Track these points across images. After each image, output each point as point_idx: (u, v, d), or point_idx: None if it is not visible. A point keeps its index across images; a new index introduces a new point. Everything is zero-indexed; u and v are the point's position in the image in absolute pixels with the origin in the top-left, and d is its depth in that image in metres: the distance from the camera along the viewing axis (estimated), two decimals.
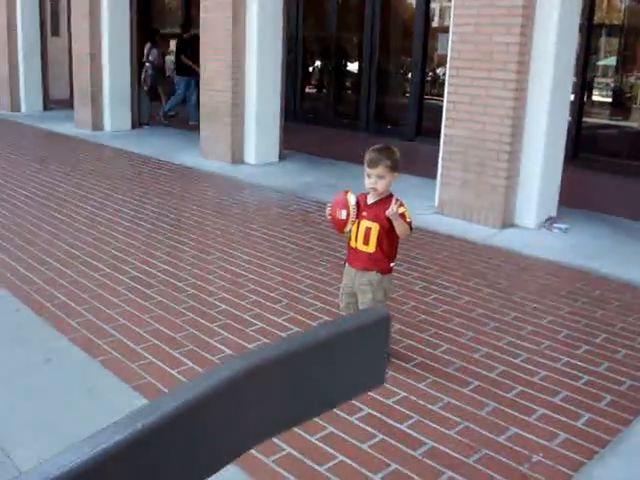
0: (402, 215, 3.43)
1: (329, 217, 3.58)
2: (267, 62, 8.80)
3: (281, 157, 9.26)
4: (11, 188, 7.50)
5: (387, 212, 3.38)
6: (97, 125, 11.72)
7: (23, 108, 14.22)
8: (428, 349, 3.83)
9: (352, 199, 3.50)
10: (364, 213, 3.52)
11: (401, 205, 3.47)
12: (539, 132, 6.06)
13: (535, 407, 3.24)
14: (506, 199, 6.21)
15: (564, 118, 6.34)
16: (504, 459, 2.83)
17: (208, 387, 1.00)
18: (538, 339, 4.00)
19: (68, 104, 13.47)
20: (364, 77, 12.28)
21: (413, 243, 5.81)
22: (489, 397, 3.32)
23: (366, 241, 3.53)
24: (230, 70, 8.70)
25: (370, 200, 3.56)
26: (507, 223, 6.29)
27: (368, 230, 3.52)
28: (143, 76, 12.75)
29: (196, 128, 10.14)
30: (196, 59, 11.85)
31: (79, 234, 5.85)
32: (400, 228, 3.44)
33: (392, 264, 3.61)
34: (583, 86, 9.51)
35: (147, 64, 12.85)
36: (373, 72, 12.09)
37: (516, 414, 3.17)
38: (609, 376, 3.57)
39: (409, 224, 3.47)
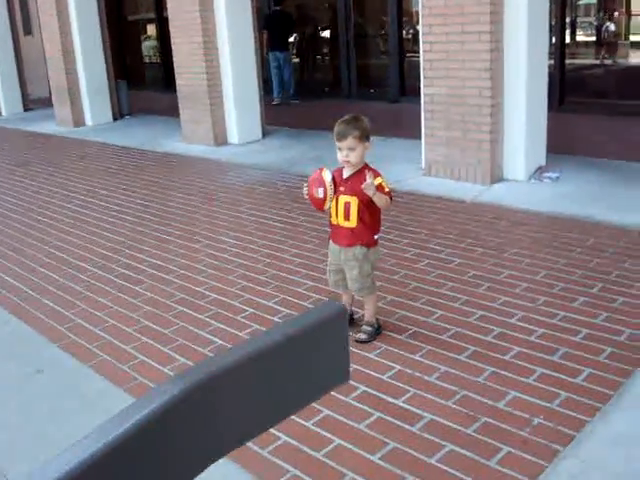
0: (379, 186, 3.33)
1: (306, 197, 3.48)
2: (239, 39, 8.63)
3: (264, 134, 9.13)
4: None
5: (362, 186, 3.28)
6: (78, 121, 11.58)
7: (3, 111, 14.07)
8: (422, 318, 3.76)
9: (327, 176, 3.39)
10: (341, 188, 3.42)
11: (377, 176, 3.37)
12: (519, 82, 5.92)
13: (533, 367, 3.17)
14: (492, 154, 6.10)
15: (544, 64, 6.19)
16: (504, 425, 2.76)
17: (173, 394, 0.94)
18: (533, 295, 3.92)
19: (49, 103, 13.29)
20: (341, 42, 12.05)
21: (402, 209, 5.72)
22: (486, 362, 3.25)
23: (347, 216, 3.44)
24: (202, 51, 8.54)
25: (346, 174, 3.46)
26: (496, 178, 6.18)
27: (347, 205, 3.42)
28: None
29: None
30: (280, 35, 11.84)
31: (65, 236, 5.77)
32: (379, 200, 3.34)
33: (376, 236, 3.52)
34: (563, 27, 9.30)
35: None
36: (350, 35, 11.86)
37: (514, 377, 3.10)
38: (607, 327, 3.49)
39: (388, 194, 3.37)
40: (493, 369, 3.19)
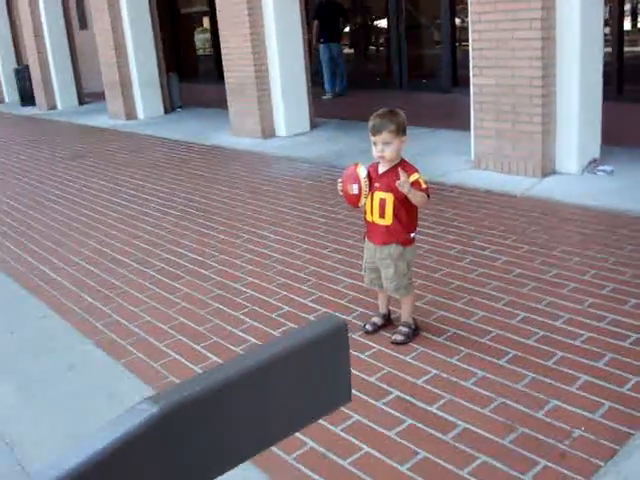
0: (415, 183, 3.19)
1: (341, 193, 3.37)
2: (288, 31, 8.55)
3: (312, 126, 9.04)
4: (45, 189, 7.52)
5: (396, 184, 3.14)
6: (130, 114, 11.70)
7: (59, 105, 14.33)
8: (462, 319, 3.61)
9: (362, 172, 3.27)
10: (377, 184, 3.30)
11: (413, 172, 3.23)
12: (572, 71, 5.66)
13: (577, 374, 3.00)
14: (544, 146, 5.86)
15: (599, 53, 5.90)
16: (542, 436, 2.61)
17: (152, 414, 0.89)
18: (581, 297, 3.72)
19: (103, 96, 13.46)
20: (393, 32, 11.85)
21: (449, 203, 5.55)
22: (527, 367, 3.09)
23: (382, 214, 3.31)
24: (250, 44, 8.48)
25: (381, 169, 3.33)
26: (548, 171, 5.94)
27: (383, 202, 3.29)
28: None
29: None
30: (332, 25, 11.65)
31: (109, 230, 5.79)
32: (414, 198, 3.20)
33: (413, 234, 3.38)
34: (622, 14, 8.90)
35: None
36: (402, 25, 11.64)
37: (556, 384, 2.94)
38: None
39: (425, 190, 3.23)
40: (533, 375, 3.02)
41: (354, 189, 3.27)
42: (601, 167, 5.87)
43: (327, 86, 12.04)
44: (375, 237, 3.38)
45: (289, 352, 1.13)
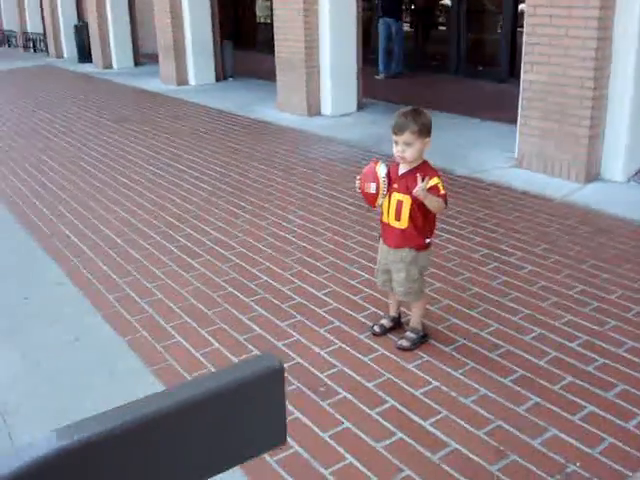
0: (434, 187, 3.06)
1: (359, 191, 3.26)
2: (340, 6, 8.36)
3: (359, 107, 8.87)
4: (84, 151, 7.57)
5: (414, 192, 3.02)
6: (182, 80, 11.69)
7: (114, 64, 14.42)
8: (474, 329, 3.49)
9: (382, 170, 3.16)
10: (395, 185, 3.18)
11: (434, 176, 3.09)
12: (627, 74, 5.39)
13: (583, 403, 2.86)
14: (590, 150, 5.62)
15: None
16: (533, 467, 2.49)
17: (48, 452, 0.82)
18: (602, 317, 3.55)
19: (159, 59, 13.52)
20: (453, 14, 11.52)
21: (483, 202, 5.38)
22: (531, 390, 2.96)
23: (398, 216, 3.19)
24: (302, 17, 8.34)
25: (401, 170, 3.21)
26: (592, 177, 5.70)
27: (400, 204, 3.17)
28: None
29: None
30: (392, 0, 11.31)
31: (138, 199, 5.80)
32: (431, 204, 3.07)
33: (428, 240, 3.25)
34: None
35: None
36: (463, 8, 11.30)
37: (559, 412, 2.81)
38: None
39: (443, 196, 3.09)
40: (537, 399, 2.90)
41: (372, 188, 3.16)
42: None
43: (381, 65, 11.69)
44: (389, 239, 3.27)
45: (215, 393, 1.06)
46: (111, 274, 4.33)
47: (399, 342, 3.34)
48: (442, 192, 3.08)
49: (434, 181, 3.07)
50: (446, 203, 3.12)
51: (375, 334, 3.45)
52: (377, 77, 11.51)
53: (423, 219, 3.18)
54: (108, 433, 0.88)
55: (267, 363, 1.13)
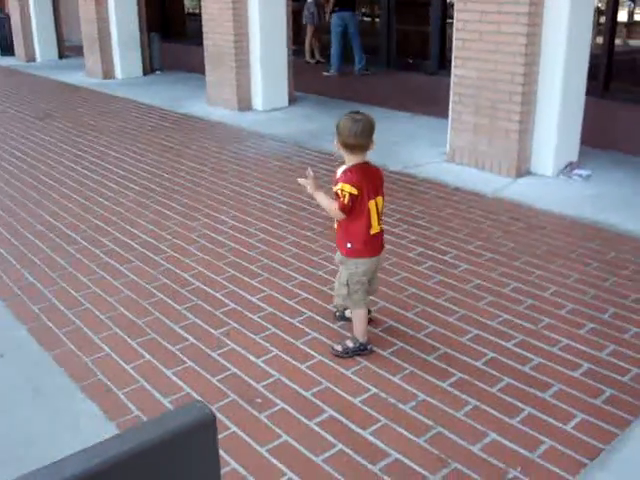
0: (335, 193, 3.03)
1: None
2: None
3: (291, 101, 8.77)
4: (6, 150, 7.23)
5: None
6: (107, 73, 11.35)
7: (38, 57, 13.89)
8: (411, 332, 3.45)
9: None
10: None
11: (340, 182, 3.02)
12: (556, 70, 5.46)
13: (521, 405, 2.86)
14: (520, 145, 5.68)
15: (585, 52, 5.69)
16: (474, 475, 2.47)
17: None
18: (537, 316, 3.57)
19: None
20: (383, 4, 11.47)
21: (415, 199, 5.37)
22: (471, 393, 2.94)
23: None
24: (231, 9, 8.16)
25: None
26: (522, 171, 5.77)
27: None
28: (304, 18, 11.47)
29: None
30: None
31: (64, 201, 5.56)
32: (323, 205, 3.15)
33: (349, 245, 3.15)
34: (617, 4, 8.60)
35: (308, 1, 11.56)
36: (392, 0, 11.28)
37: (498, 415, 2.80)
38: (612, 364, 3.14)
39: (340, 204, 3.00)
40: (476, 403, 2.88)
41: None
42: (577, 171, 5.70)
43: (333, 61, 11.14)
44: None
45: (141, 450, 0.96)
46: (35, 283, 4.13)
47: (335, 346, 3.28)
48: (340, 199, 3.01)
49: (337, 187, 3.02)
50: (343, 212, 3.03)
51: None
52: (326, 74, 11.17)
53: (339, 223, 3.15)
54: None
55: (197, 413, 1.05)
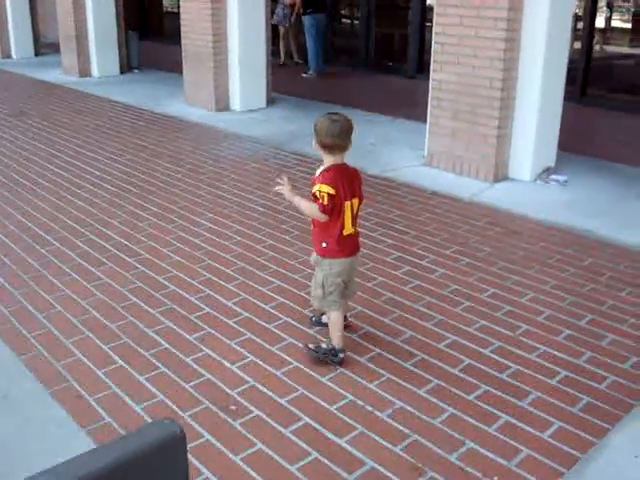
0: (313, 194, 3.02)
1: None
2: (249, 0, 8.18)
3: (269, 102, 8.72)
4: None
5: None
6: (84, 71, 11.19)
7: (13, 54, 13.69)
8: (388, 338, 3.42)
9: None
10: None
11: (317, 183, 3.01)
12: (534, 75, 5.47)
13: (497, 413, 2.84)
14: (498, 150, 5.68)
15: (563, 58, 5.71)
16: None
17: None
18: (514, 322, 3.56)
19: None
20: (363, 7, 11.45)
21: (393, 203, 5.35)
22: (447, 401, 2.92)
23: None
24: (210, 10, 8.09)
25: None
26: (500, 176, 5.77)
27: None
28: (274, 19, 11.06)
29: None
30: None
31: (38, 201, 5.46)
32: (300, 208, 3.17)
33: (324, 244, 3.12)
34: (595, 11, 8.68)
35: (278, 2, 11.39)
36: (372, 3, 11.28)
37: (474, 423, 2.78)
38: (589, 370, 3.14)
39: (320, 205, 2.98)
40: (453, 411, 2.86)
41: None
42: (554, 176, 5.72)
43: (311, 62, 11.10)
44: None
45: (109, 469, 0.92)
46: (6, 285, 4.04)
47: (309, 344, 3.25)
48: (319, 201, 2.99)
49: (315, 188, 3.01)
50: (325, 213, 3.00)
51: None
52: (305, 75, 11.10)
53: (314, 223, 3.13)
54: None
55: (167, 431, 1.00)
